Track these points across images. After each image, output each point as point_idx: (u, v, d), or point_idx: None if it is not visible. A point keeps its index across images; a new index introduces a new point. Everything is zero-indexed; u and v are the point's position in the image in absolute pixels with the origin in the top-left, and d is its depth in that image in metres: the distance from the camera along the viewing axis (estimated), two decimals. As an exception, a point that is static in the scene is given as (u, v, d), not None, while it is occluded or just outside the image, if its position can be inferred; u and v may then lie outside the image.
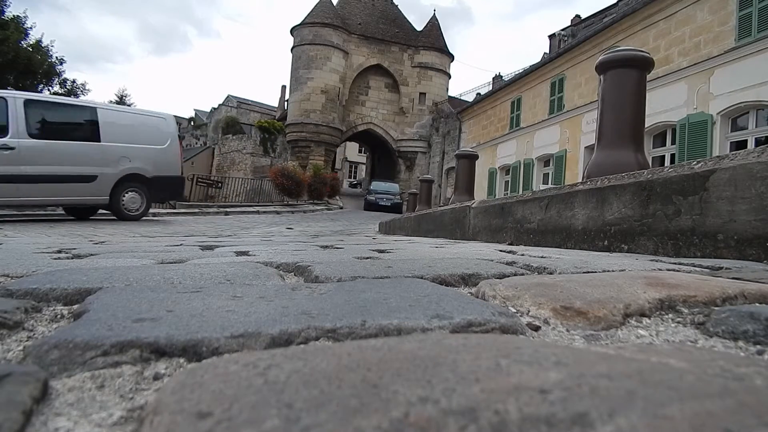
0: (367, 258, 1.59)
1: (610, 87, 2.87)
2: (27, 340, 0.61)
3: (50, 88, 24.45)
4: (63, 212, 9.19)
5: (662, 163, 11.32)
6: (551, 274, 1.17)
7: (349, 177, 44.98)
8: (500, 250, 1.96)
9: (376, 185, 24.89)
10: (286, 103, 31.60)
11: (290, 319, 0.64)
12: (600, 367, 0.42)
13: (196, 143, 37.61)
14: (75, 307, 0.78)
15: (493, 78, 28.26)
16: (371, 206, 22.05)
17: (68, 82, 25.00)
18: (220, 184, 20.54)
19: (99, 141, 7.80)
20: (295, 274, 1.22)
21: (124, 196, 8.15)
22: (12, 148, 6.89)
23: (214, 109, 37.96)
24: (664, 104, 11.14)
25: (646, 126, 3.07)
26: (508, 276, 1.09)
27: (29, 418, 0.38)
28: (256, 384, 0.39)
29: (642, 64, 2.83)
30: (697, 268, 1.26)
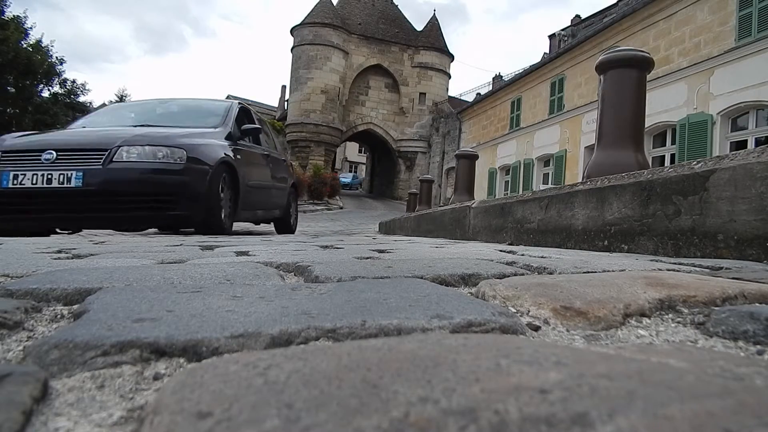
0: (367, 258, 1.59)
1: (610, 87, 2.87)
2: (27, 340, 0.61)
3: (50, 88, 24.48)
4: None
5: (662, 163, 11.32)
6: (551, 274, 1.16)
7: (349, 177, 44.55)
8: (500, 250, 1.96)
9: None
10: (286, 103, 31.62)
11: (290, 319, 0.64)
12: (600, 367, 0.42)
13: (196, 143, 37.50)
14: (75, 307, 0.78)
15: (493, 78, 28.28)
16: None
17: (68, 82, 25.01)
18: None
19: None
20: (295, 274, 1.22)
21: None
22: None
23: (214, 109, 37.82)
24: (664, 104, 11.14)
25: (646, 126, 3.07)
26: (508, 276, 1.09)
27: (29, 418, 0.38)
28: (256, 384, 0.39)
29: (642, 64, 2.83)
30: (697, 268, 1.26)
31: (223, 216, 4.49)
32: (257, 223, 6.52)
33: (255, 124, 5.69)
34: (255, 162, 5.55)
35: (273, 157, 6.39)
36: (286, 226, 6.82)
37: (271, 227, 7.18)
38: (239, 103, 5.75)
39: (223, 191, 4.50)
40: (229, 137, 4.86)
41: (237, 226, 6.68)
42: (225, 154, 4.53)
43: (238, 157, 4.89)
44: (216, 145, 4.49)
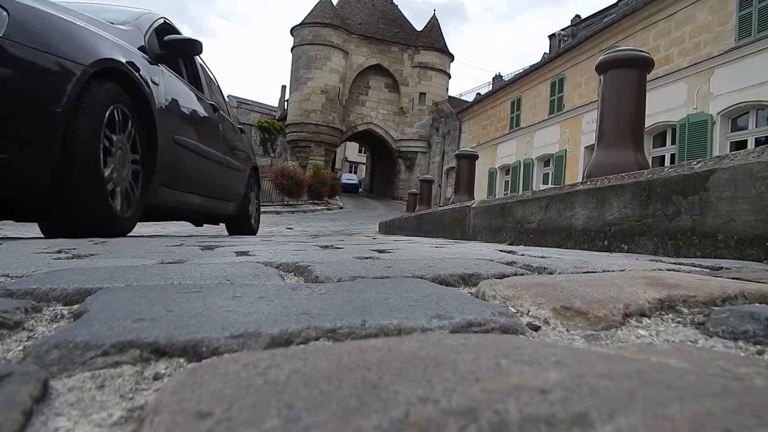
0: (367, 258, 1.59)
1: (610, 87, 2.87)
2: (27, 340, 0.61)
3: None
4: None
5: (662, 163, 11.33)
6: (551, 274, 1.16)
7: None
8: (500, 250, 1.96)
9: None
10: (286, 103, 31.64)
11: (290, 319, 0.64)
12: (600, 367, 0.42)
13: (196, 143, 37.49)
14: (75, 307, 0.78)
15: (493, 78, 28.31)
16: None
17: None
18: (218, 184, 20.25)
19: None
20: (295, 274, 1.22)
21: None
22: None
23: (214, 109, 37.80)
24: (664, 104, 11.15)
25: (646, 126, 3.07)
26: (508, 276, 1.09)
27: (29, 418, 0.38)
28: (256, 384, 0.39)
29: (642, 64, 2.83)
30: (697, 268, 1.26)
31: (111, 190, 2.29)
32: (198, 221, 4.13)
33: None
34: (192, 111, 3.23)
35: (224, 117, 4.04)
36: (243, 226, 4.66)
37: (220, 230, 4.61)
38: (164, 19, 3.42)
39: (114, 137, 2.29)
40: (143, 51, 2.75)
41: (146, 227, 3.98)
42: (125, 61, 2.38)
43: (157, 83, 2.71)
44: (98, 35, 2.30)
